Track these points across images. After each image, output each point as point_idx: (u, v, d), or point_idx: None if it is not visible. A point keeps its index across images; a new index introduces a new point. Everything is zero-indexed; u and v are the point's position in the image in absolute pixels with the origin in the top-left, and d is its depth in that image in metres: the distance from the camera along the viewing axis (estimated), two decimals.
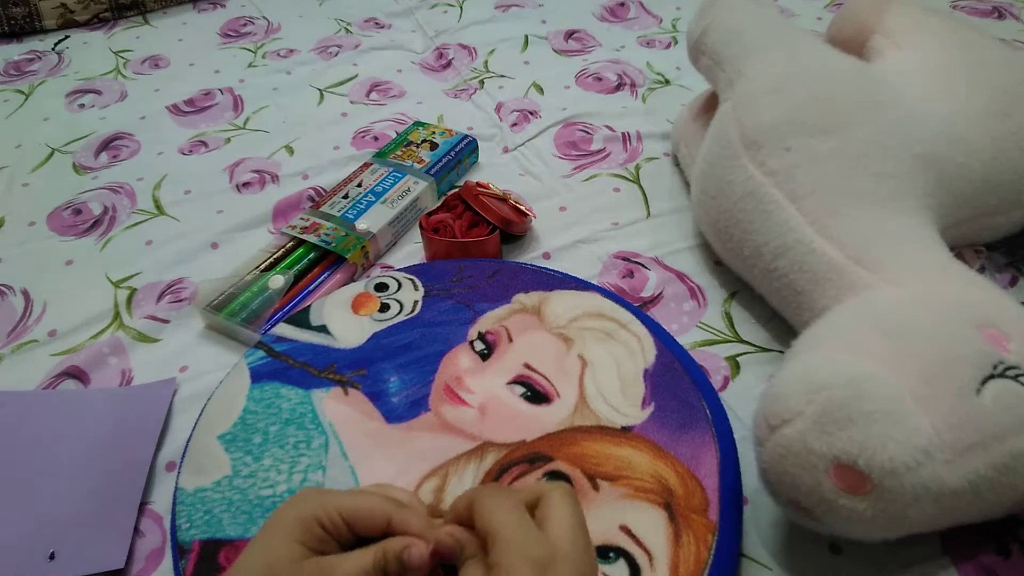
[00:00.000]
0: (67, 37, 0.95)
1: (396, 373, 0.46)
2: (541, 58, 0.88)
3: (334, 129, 0.77)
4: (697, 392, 0.44)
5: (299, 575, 0.30)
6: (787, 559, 0.40)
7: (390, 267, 0.60)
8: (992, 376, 0.34)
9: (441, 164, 0.67)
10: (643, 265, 0.59)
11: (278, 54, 0.91)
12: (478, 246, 0.57)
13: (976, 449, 0.33)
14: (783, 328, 0.51)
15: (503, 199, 0.61)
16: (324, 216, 0.61)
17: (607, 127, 0.75)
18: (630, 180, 0.68)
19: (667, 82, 0.82)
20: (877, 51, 0.59)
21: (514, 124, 0.76)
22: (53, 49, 0.93)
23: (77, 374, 0.52)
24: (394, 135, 0.75)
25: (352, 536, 0.32)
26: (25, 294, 0.59)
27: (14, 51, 0.93)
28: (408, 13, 0.99)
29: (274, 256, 0.58)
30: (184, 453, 0.43)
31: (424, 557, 0.30)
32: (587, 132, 0.74)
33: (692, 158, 0.62)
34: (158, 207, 0.67)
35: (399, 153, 0.69)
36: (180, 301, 0.57)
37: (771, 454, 0.35)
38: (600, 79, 0.83)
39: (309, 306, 0.51)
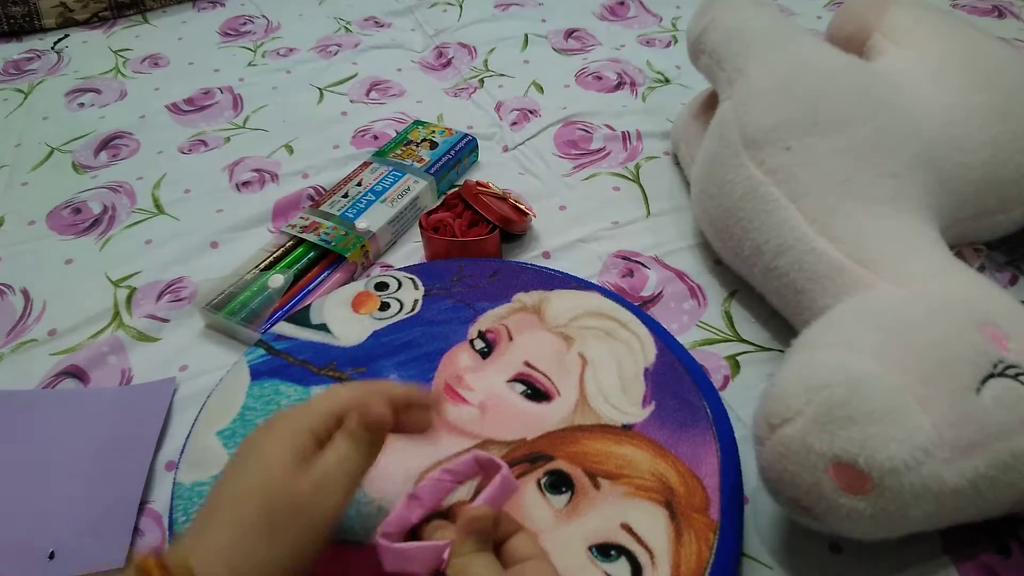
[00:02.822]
0: (66, 36, 0.95)
1: (396, 371, 0.46)
2: (541, 57, 0.88)
3: (334, 128, 0.77)
4: (697, 391, 0.44)
5: (299, 487, 0.30)
6: (787, 558, 0.40)
7: (390, 266, 0.60)
8: (992, 375, 0.34)
9: (441, 163, 0.67)
10: (643, 264, 0.59)
11: (278, 53, 0.91)
12: (478, 245, 0.57)
13: (976, 448, 0.33)
14: (783, 327, 0.51)
15: (503, 198, 0.61)
16: (324, 215, 0.61)
17: (607, 126, 0.75)
18: (630, 179, 0.68)
19: (667, 81, 0.82)
20: (877, 50, 0.59)
21: (514, 123, 0.76)
22: (52, 48, 0.93)
23: (77, 373, 0.52)
24: (394, 134, 0.75)
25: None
26: (25, 293, 0.58)
27: (13, 50, 0.93)
28: (408, 12, 0.99)
29: (274, 255, 0.58)
30: (183, 449, 0.43)
31: (382, 414, 0.32)
32: (587, 131, 0.74)
33: (692, 157, 0.62)
34: (158, 206, 0.67)
35: (399, 152, 0.69)
36: (180, 300, 0.57)
37: (771, 453, 0.35)
38: (600, 78, 0.83)
39: (309, 305, 0.51)
